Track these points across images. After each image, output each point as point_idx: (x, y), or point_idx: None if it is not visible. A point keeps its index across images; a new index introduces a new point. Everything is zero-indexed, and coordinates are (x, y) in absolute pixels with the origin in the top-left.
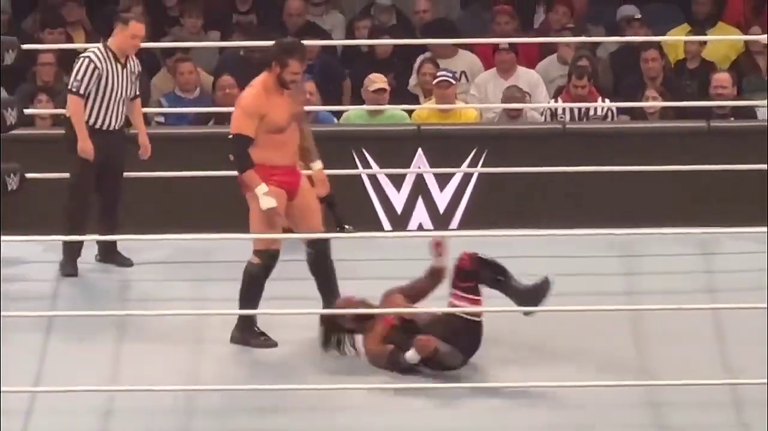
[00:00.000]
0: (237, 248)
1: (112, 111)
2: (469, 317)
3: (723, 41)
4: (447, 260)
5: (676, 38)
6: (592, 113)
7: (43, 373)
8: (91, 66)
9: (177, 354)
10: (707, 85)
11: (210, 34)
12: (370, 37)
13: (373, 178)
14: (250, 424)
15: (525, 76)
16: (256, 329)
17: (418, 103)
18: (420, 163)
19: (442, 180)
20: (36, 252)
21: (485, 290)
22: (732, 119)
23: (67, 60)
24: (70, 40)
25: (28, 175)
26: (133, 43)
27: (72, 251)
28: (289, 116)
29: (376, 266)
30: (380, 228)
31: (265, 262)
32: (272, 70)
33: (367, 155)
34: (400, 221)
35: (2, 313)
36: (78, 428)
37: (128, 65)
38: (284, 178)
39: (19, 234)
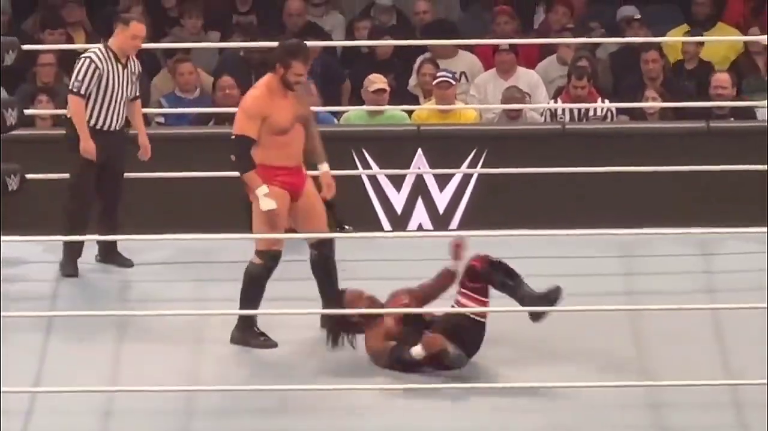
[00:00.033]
0: (237, 248)
1: (113, 111)
2: (474, 317)
3: (722, 42)
4: (462, 263)
5: (676, 39)
6: (591, 113)
7: (44, 373)
8: (92, 66)
9: (177, 354)
10: (705, 86)
11: (210, 34)
12: (370, 37)
13: (372, 178)
14: (251, 425)
15: (525, 77)
16: (256, 329)
17: (418, 103)
18: (420, 163)
19: (442, 181)
20: (36, 253)
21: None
22: (731, 119)
23: (67, 61)
24: (70, 40)
25: (29, 175)
26: (134, 43)
27: (72, 252)
28: (293, 117)
29: (376, 266)
30: (380, 229)
31: (266, 263)
32: (276, 71)
33: (367, 155)
34: (399, 222)
35: (2, 313)
36: (78, 428)
37: (129, 66)
38: (288, 179)
39: (20, 235)
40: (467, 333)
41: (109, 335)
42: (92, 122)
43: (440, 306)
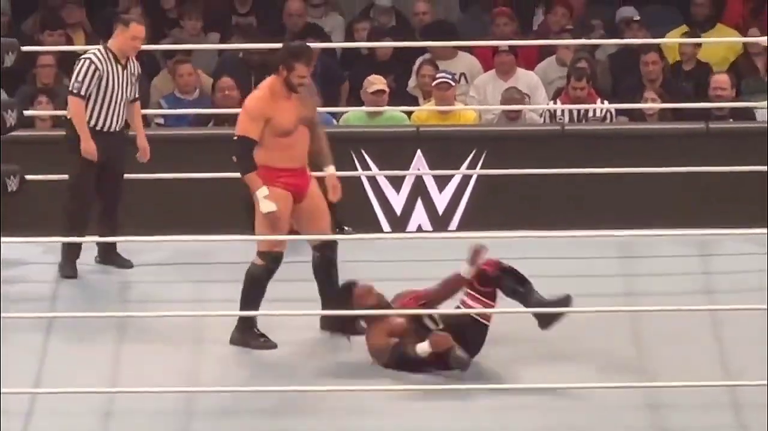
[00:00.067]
0: (237, 249)
1: (113, 112)
2: (478, 319)
3: (722, 43)
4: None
5: (675, 40)
6: (591, 114)
7: (44, 374)
8: (92, 67)
9: (177, 355)
10: (703, 87)
11: (209, 36)
12: (369, 39)
13: (372, 179)
14: (250, 425)
15: (524, 78)
16: (256, 330)
17: (418, 104)
18: (419, 164)
19: (442, 181)
20: (36, 254)
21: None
22: (731, 120)
23: (67, 62)
24: (70, 42)
25: (28, 176)
26: (134, 44)
27: (71, 253)
28: (297, 119)
29: (375, 267)
30: (379, 230)
31: (268, 264)
32: (280, 73)
33: (366, 156)
34: (399, 223)
35: (2, 314)
36: (78, 429)
37: (128, 67)
38: (291, 180)
39: (19, 236)
40: (470, 334)
41: (109, 336)
42: (92, 122)
43: (445, 307)
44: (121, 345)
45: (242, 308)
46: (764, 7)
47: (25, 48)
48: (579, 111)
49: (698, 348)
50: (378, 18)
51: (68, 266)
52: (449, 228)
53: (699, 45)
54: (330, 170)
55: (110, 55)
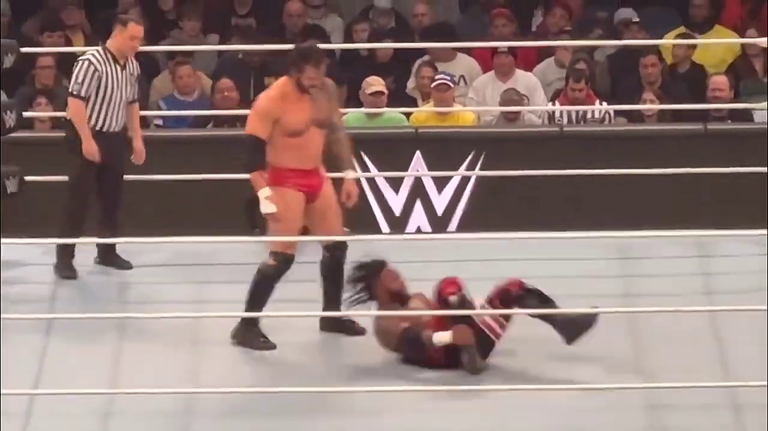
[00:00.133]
0: (236, 250)
1: (112, 113)
2: (489, 334)
3: (720, 44)
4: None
5: (674, 42)
6: (589, 116)
7: (43, 375)
8: (91, 68)
9: (177, 356)
10: (698, 89)
11: (209, 37)
12: (369, 40)
13: (371, 181)
14: (251, 426)
15: (523, 80)
16: (257, 331)
17: (416, 106)
18: (418, 166)
19: (440, 183)
20: (36, 255)
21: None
22: (729, 121)
23: (66, 63)
24: (69, 43)
25: (28, 178)
26: (132, 44)
27: (66, 253)
28: (308, 120)
29: None
30: (378, 231)
31: (279, 265)
32: (291, 75)
33: (365, 157)
34: (398, 224)
35: (2, 315)
36: (78, 430)
37: (127, 67)
38: (302, 180)
39: (19, 237)
40: (477, 344)
41: (109, 336)
42: (92, 123)
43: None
44: (121, 346)
45: (248, 305)
46: (762, 9)
47: (24, 49)
48: (578, 112)
49: (698, 348)
50: (377, 19)
51: (64, 266)
52: (448, 229)
53: (694, 47)
54: (350, 175)
55: (109, 55)
